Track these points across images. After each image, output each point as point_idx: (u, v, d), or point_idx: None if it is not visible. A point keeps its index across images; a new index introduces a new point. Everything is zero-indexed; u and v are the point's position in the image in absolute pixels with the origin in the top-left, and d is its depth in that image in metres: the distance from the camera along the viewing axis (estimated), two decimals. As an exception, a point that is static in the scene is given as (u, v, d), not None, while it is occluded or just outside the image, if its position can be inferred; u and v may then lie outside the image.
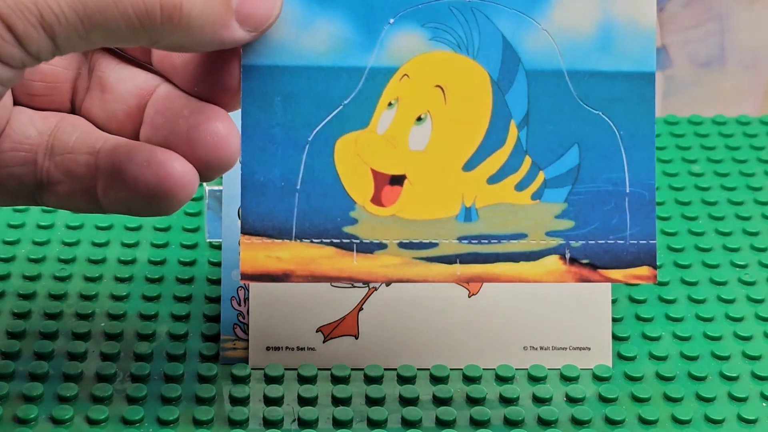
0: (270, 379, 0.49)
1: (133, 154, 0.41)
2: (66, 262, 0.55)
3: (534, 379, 0.49)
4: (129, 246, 0.56)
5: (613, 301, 0.54)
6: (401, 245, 0.43)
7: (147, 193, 0.41)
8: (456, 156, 0.43)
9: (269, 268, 0.42)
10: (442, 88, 0.43)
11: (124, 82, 0.44)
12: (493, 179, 0.43)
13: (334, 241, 0.43)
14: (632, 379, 0.50)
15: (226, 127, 0.42)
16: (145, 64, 0.44)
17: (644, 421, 0.48)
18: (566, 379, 0.49)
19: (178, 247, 0.56)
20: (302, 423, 0.47)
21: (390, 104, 0.42)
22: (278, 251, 0.42)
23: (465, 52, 0.43)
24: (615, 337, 0.52)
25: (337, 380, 0.49)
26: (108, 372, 0.48)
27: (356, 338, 0.50)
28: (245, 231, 0.42)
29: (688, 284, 0.55)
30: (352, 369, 0.49)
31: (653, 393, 0.49)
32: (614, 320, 0.53)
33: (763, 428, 0.48)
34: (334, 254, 0.43)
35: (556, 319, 0.50)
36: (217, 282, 0.54)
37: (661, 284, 0.55)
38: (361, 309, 0.50)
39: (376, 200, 0.43)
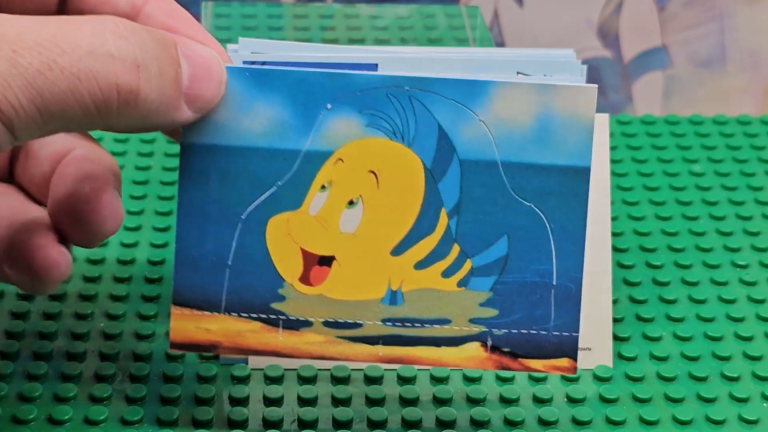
0: (270, 380, 0.48)
1: (18, 234, 0.42)
2: (65, 262, 0.55)
3: (534, 380, 0.49)
4: (128, 246, 0.56)
5: (614, 302, 0.53)
6: (326, 324, 0.44)
7: (22, 273, 0.42)
8: (385, 240, 0.43)
9: (197, 339, 0.44)
10: (375, 174, 0.43)
11: (45, 147, 0.44)
12: (421, 265, 0.44)
13: (262, 316, 0.44)
14: (633, 379, 0.50)
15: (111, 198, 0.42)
16: None
17: (645, 422, 0.47)
18: (567, 379, 0.49)
19: (178, 247, 0.56)
20: (302, 423, 0.46)
21: (323, 187, 0.43)
22: (207, 323, 0.44)
23: (400, 139, 0.43)
24: (616, 338, 0.52)
25: (337, 380, 0.48)
26: (107, 372, 0.48)
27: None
28: (177, 302, 0.44)
29: (688, 284, 0.55)
30: (352, 369, 0.49)
31: (654, 393, 0.49)
32: (615, 320, 0.52)
33: (765, 429, 0.47)
34: (261, 329, 0.44)
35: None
36: (216, 282, 0.53)
37: (662, 284, 0.55)
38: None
39: (305, 279, 0.44)
